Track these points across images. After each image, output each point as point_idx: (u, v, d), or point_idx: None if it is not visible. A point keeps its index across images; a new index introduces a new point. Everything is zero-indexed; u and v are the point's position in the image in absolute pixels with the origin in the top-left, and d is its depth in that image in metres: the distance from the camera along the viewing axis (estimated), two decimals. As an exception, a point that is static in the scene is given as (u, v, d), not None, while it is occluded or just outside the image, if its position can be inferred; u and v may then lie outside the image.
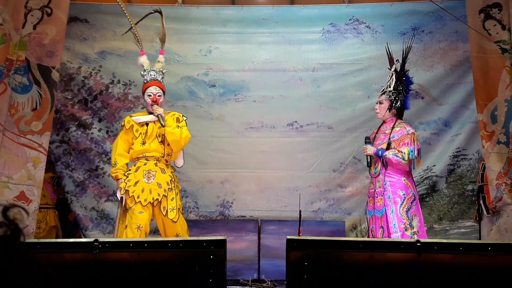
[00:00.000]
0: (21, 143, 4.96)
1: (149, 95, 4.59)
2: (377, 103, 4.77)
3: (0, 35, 4.94)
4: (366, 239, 3.91)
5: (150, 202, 4.42)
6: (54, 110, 5.29)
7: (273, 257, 5.25)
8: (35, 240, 3.27)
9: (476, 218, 5.54)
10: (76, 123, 6.12)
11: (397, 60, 4.75)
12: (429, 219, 6.01)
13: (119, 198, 4.54)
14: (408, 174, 4.56)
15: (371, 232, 4.52)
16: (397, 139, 4.51)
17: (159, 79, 4.68)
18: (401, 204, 4.38)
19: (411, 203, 4.42)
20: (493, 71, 4.98)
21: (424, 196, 6.07)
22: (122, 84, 6.26)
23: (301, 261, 2.98)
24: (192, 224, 5.71)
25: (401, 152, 4.43)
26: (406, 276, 2.97)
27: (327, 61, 6.28)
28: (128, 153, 4.59)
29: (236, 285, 3.75)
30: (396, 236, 4.26)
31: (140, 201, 4.38)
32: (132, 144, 4.57)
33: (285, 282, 3.12)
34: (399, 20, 6.23)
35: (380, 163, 4.55)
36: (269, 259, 5.33)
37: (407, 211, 4.37)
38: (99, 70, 6.23)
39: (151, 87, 4.62)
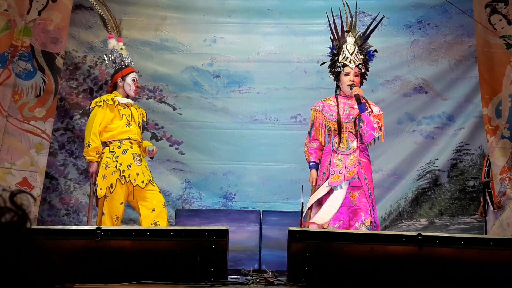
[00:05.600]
0: (24, 129, 4.97)
1: (133, 80, 4.63)
2: (348, 74, 4.49)
3: (5, 21, 4.94)
4: (367, 231, 3.86)
5: (145, 182, 4.42)
6: (57, 97, 5.29)
7: (274, 248, 5.24)
8: (38, 227, 3.28)
9: (481, 213, 5.53)
10: (80, 111, 6.11)
11: (347, 31, 4.62)
12: (430, 214, 6.01)
13: (96, 182, 4.44)
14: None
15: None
16: (376, 115, 4.25)
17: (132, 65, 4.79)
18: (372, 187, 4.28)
19: (373, 189, 4.31)
20: (498, 65, 4.98)
21: (426, 190, 6.06)
22: (127, 74, 6.24)
23: (303, 252, 2.99)
24: (194, 214, 5.72)
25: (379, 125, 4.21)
26: (407, 269, 2.97)
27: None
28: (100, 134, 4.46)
29: (237, 275, 3.75)
30: (365, 218, 4.08)
31: (137, 184, 4.37)
32: (109, 124, 4.47)
33: (286, 273, 3.13)
34: (405, 13, 6.19)
35: (356, 140, 4.26)
36: (271, 249, 5.33)
37: (371, 195, 4.24)
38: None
39: (134, 73, 4.69)
